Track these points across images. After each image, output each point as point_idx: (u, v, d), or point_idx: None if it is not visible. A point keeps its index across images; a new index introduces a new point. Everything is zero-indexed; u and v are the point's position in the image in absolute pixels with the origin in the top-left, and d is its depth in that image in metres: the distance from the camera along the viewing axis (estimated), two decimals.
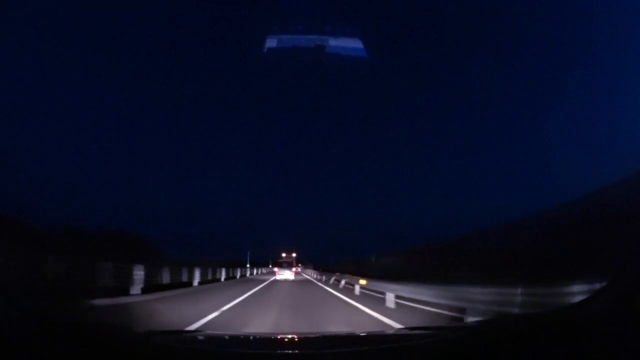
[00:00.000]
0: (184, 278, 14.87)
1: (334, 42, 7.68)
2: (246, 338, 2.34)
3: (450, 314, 5.74)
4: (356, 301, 9.49)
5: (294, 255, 40.87)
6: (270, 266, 53.24)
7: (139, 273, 10.62)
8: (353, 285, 13.02)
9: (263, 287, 15.83)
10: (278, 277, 24.56)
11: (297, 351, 1.76)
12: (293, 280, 22.91)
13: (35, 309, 1.54)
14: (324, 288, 15.70)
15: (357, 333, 3.12)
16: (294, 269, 28.58)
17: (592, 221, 4.20)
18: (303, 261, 53.10)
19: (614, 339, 1.16)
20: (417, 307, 7.34)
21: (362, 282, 11.99)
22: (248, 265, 43.54)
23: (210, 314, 6.47)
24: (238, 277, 26.76)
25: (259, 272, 44.01)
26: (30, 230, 14.90)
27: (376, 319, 6.51)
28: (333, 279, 18.65)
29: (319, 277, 26.49)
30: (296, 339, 2.20)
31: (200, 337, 2.14)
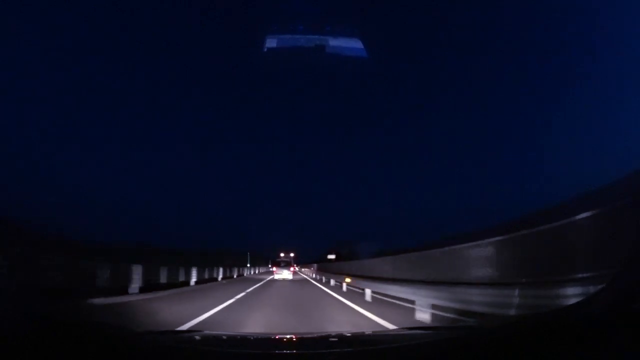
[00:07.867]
0: None
1: (334, 42, 7.69)
2: (245, 338, 2.33)
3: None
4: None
5: (292, 255, 40.46)
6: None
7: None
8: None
9: None
10: (276, 276, 24.98)
11: (295, 351, 1.76)
12: None
13: (36, 309, 1.53)
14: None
15: (357, 333, 3.11)
16: (292, 269, 28.80)
17: (592, 221, 4.19)
18: (300, 261, 51.73)
19: (614, 339, 1.15)
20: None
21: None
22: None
23: None
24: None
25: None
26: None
27: None
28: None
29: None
30: (295, 339, 2.20)
31: (198, 337, 2.14)
